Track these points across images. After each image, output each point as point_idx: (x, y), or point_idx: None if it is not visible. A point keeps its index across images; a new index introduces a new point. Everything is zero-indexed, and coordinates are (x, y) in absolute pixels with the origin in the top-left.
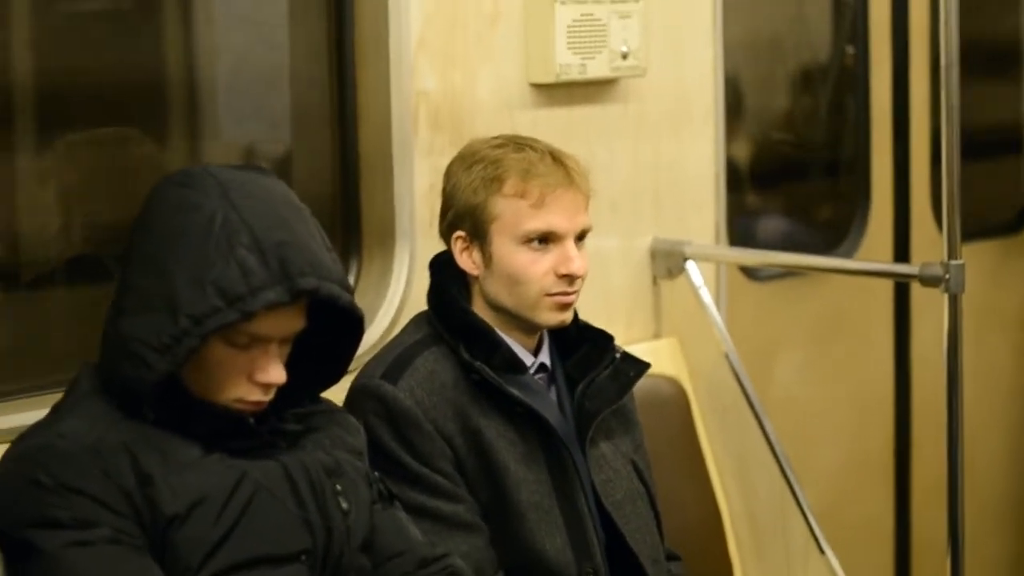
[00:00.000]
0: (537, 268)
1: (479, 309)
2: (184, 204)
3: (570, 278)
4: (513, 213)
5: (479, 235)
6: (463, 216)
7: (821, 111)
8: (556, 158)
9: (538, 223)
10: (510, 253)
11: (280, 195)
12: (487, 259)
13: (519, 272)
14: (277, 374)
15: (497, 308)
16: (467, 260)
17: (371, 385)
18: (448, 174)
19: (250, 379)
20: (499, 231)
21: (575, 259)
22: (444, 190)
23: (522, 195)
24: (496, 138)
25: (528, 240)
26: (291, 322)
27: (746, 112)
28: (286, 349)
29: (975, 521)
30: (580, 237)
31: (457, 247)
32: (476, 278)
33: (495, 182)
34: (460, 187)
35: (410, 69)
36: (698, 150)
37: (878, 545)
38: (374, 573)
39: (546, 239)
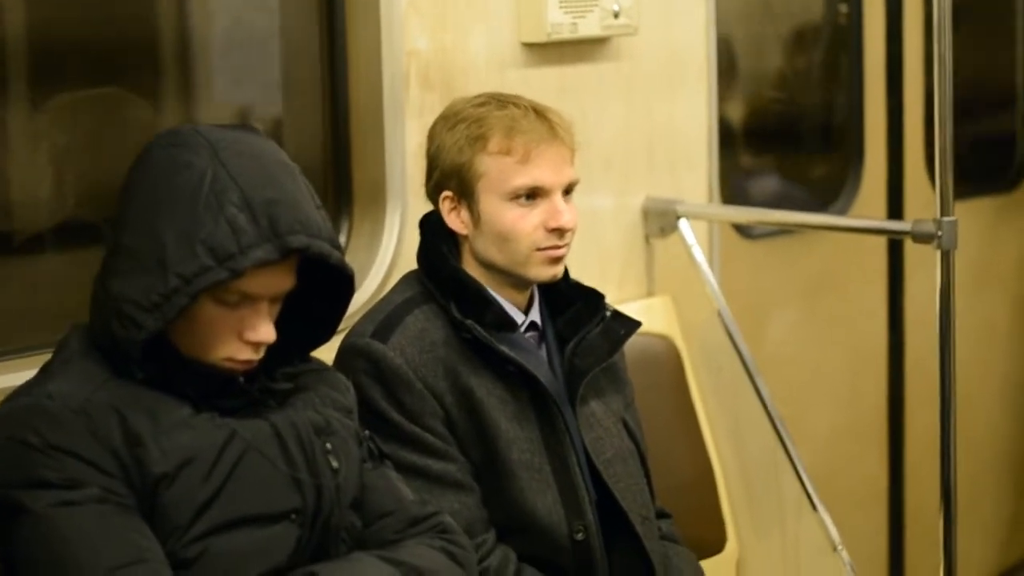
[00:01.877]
0: (526, 223)
1: (469, 268)
2: (173, 163)
3: (560, 231)
4: (499, 170)
5: (466, 194)
6: (449, 176)
7: (814, 70)
8: (539, 113)
9: (524, 179)
10: (498, 210)
11: (270, 154)
12: (475, 218)
13: (508, 228)
14: (267, 332)
15: (488, 266)
16: (455, 220)
17: (361, 344)
18: (432, 135)
19: (240, 338)
20: (486, 189)
21: (564, 212)
22: (428, 151)
23: (507, 152)
24: (478, 96)
25: (516, 196)
26: (281, 280)
27: (739, 71)
28: (276, 308)
29: (970, 480)
30: (567, 191)
31: (445, 207)
32: (465, 237)
33: (479, 140)
34: (444, 147)
35: (401, 28)
36: (691, 108)
37: (872, 504)
38: (364, 532)
39: (533, 194)
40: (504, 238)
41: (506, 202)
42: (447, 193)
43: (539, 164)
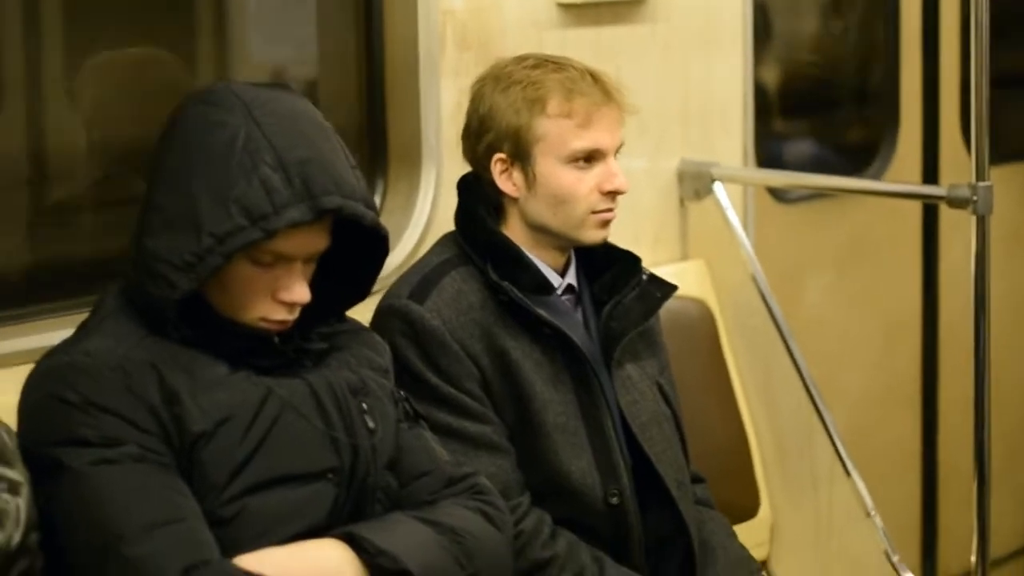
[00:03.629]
0: (583, 186)
1: (513, 230)
2: (208, 122)
3: (613, 194)
4: (558, 133)
5: (521, 156)
6: (504, 138)
7: (851, 33)
8: (594, 76)
9: (585, 142)
10: (556, 173)
11: (304, 113)
12: (530, 180)
13: (566, 191)
14: (301, 293)
15: (537, 228)
16: (507, 182)
17: (397, 305)
18: (479, 96)
19: (274, 298)
20: (544, 151)
21: (618, 175)
22: (476, 112)
23: (568, 115)
24: (525, 58)
25: (574, 159)
26: (315, 241)
27: (776, 35)
28: (310, 268)
29: (1002, 444)
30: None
31: (496, 169)
32: (515, 200)
33: (537, 103)
34: (498, 108)
35: None
36: (726, 71)
37: (905, 468)
38: (400, 492)
39: (591, 157)
40: (561, 200)
41: (564, 165)
42: (500, 155)
43: (599, 127)
